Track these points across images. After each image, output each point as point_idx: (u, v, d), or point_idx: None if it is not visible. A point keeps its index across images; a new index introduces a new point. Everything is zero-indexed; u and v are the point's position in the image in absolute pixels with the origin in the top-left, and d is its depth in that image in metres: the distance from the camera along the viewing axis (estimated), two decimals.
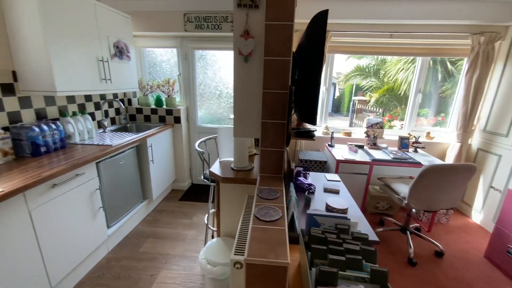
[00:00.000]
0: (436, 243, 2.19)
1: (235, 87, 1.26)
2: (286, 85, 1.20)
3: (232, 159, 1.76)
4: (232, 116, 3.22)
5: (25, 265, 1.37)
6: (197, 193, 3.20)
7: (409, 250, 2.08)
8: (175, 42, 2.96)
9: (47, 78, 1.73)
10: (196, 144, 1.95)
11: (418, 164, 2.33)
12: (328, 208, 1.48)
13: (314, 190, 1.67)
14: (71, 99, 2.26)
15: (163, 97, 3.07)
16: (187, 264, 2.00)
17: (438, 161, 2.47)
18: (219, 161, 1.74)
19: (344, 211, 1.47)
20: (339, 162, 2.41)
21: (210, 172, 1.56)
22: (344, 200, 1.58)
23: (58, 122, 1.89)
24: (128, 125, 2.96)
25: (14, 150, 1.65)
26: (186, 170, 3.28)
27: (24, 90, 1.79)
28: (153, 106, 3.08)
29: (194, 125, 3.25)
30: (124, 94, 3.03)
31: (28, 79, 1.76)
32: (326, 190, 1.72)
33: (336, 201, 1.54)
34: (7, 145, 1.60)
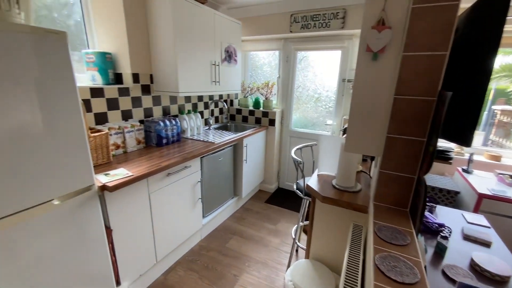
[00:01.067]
0: None
1: (355, 91, 1.02)
2: (433, 90, 0.87)
3: (332, 173, 1.52)
4: (329, 122, 2.94)
5: (141, 238, 1.62)
6: (282, 198, 3.11)
7: None
8: (278, 44, 2.95)
9: (173, 81, 2.01)
10: (293, 151, 1.82)
11: None
12: (476, 268, 1.02)
13: (449, 235, 1.21)
14: (188, 99, 2.60)
15: (261, 99, 3.13)
16: (269, 275, 1.91)
17: None
18: (317, 174, 1.54)
19: (506, 279, 0.98)
20: (482, 196, 1.73)
21: (307, 185, 1.39)
22: (503, 262, 1.06)
23: (177, 119, 2.19)
24: (228, 124, 3.18)
25: (145, 140, 2.01)
26: (274, 172, 3.25)
27: (157, 91, 2.16)
28: (251, 108, 3.20)
29: (287, 128, 3.17)
30: (228, 95, 3.28)
31: (160, 81, 2.11)
32: (468, 238, 1.22)
33: (489, 260, 1.05)
34: (141, 135, 1.96)
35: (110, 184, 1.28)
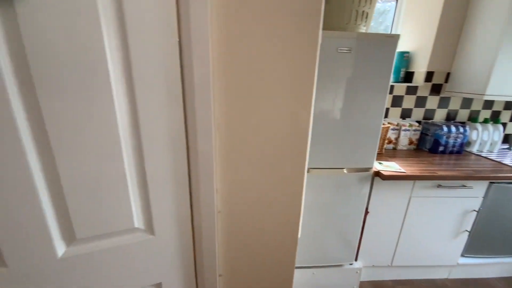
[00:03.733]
0: None
1: None
2: None
3: None
4: None
5: (386, 235, 1.63)
6: None
7: None
8: None
9: (481, 80, 1.62)
10: None
11: None
12: None
13: None
14: (488, 104, 2.00)
15: None
16: None
17: None
18: None
19: None
20: None
21: None
22: None
23: (466, 127, 1.80)
24: None
25: (417, 142, 1.90)
26: None
27: (448, 91, 1.88)
28: None
29: None
30: None
31: (458, 81, 1.80)
32: None
33: None
34: (415, 136, 1.87)
35: (384, 173, 1.39)
